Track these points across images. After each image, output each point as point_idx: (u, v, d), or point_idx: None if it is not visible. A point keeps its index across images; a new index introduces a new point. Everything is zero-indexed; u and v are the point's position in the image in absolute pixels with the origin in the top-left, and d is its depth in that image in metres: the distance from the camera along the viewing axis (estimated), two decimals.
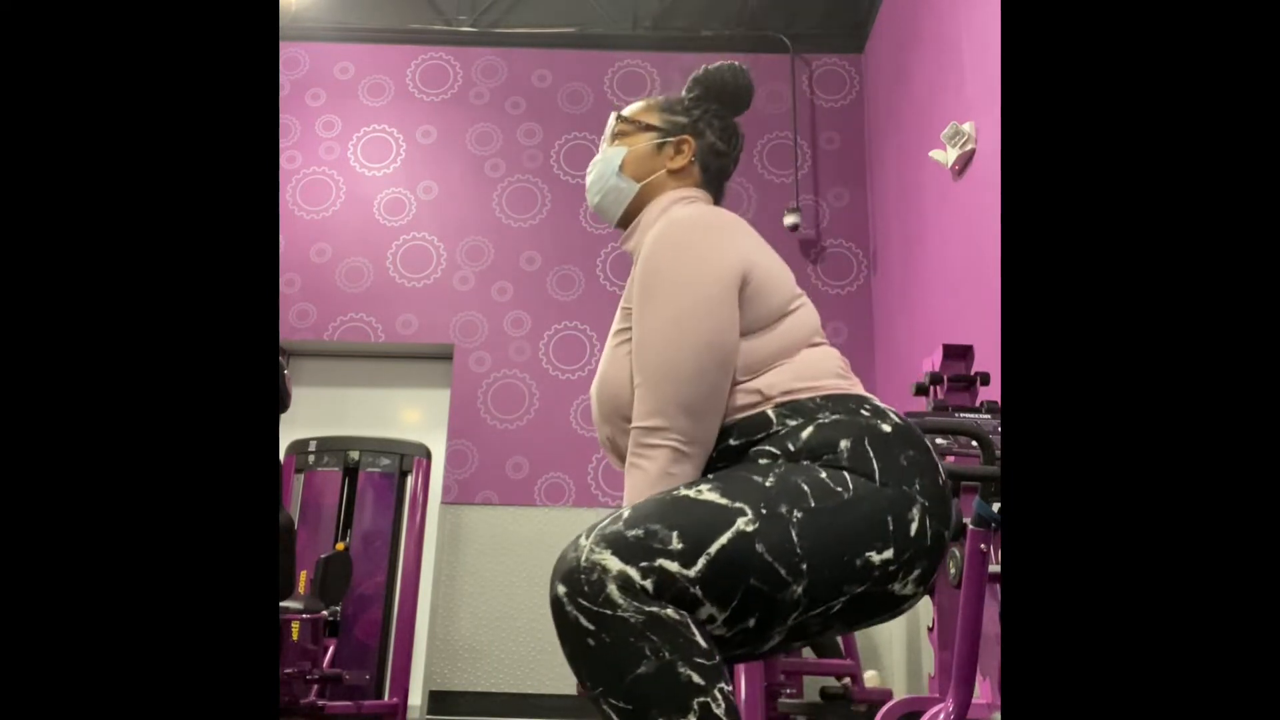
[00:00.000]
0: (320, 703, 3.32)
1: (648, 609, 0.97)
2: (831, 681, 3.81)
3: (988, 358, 3.19)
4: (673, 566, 0.98)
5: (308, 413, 4.88)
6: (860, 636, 4.50)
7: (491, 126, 5.29)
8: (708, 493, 1.04)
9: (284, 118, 5.25)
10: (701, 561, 0.99)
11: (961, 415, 2.38)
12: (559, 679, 4.46)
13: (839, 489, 1.06)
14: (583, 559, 0.99)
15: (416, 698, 4.42)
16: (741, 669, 2.88)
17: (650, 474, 1.10)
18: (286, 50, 5.36)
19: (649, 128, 1.37)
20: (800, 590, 1.02)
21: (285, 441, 4.04)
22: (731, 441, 1.14)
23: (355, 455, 4.00)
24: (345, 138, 5.26)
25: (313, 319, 4.96)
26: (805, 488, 1.05)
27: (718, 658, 0.99)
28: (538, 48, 5.40)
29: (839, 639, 3.79)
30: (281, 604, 3.03)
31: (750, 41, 5.31)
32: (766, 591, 1.01)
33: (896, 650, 4.42)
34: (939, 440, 2.14)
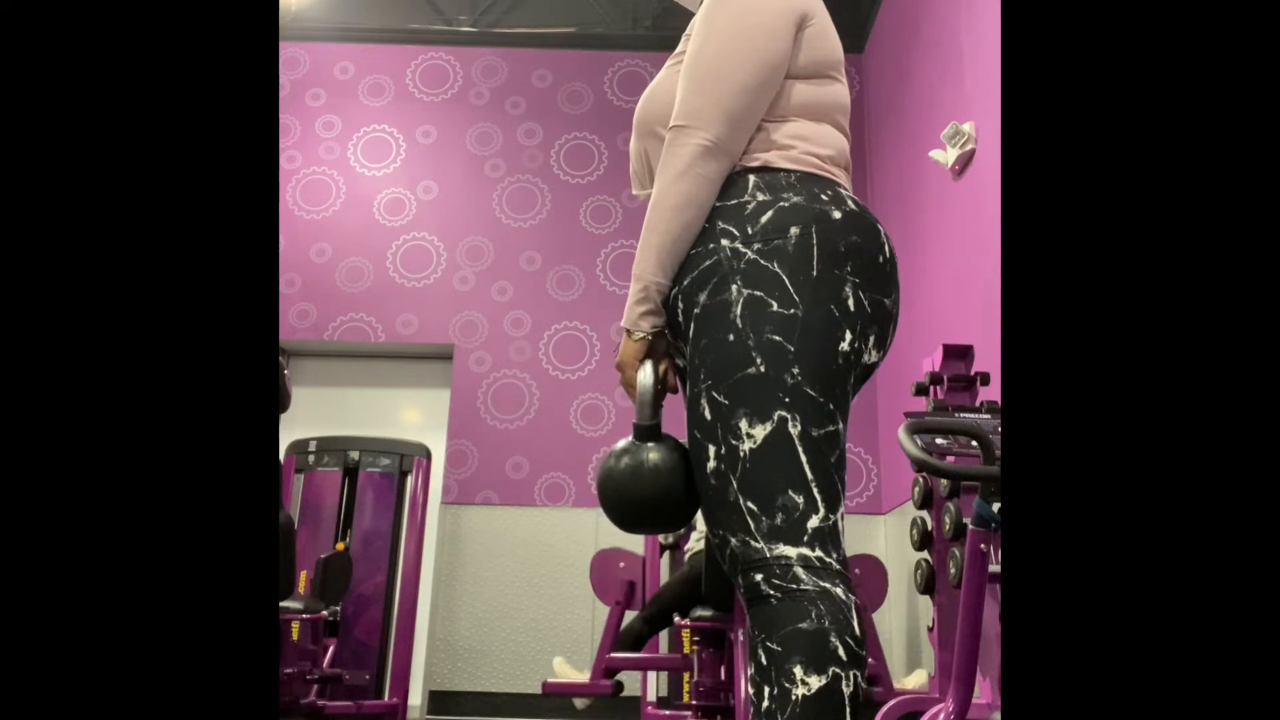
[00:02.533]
0: (320, 703, 3.32)
1: (822, 584, 1.11)
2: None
3: (988, 358, 3.19)
4: (815, 522, 1.14)
5: (308, 413, 4.88)
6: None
7: (491, 126, 5.28)
8: (751, 428, 1.16)
9: (284, 118, 5.25)
10: (817, 493, 1.15)
11: (961, 415, 2.38)
12: None
13: (791, 310, 1.18)
14: (768, 554, 1.13)
15: (416, 698, 4.42)
16: (741, 670, 2.88)
17: (678, 167, 1.23)
18: (286, 50, 5.36)
19: None
20: (841, 421, 1.19)
21: (285, 441, 4.04)
22: (714, 203, 1.26)
23: (355, 455, 4.00)
24: (345, 138, 5.26)
25: (313, 319, 4.96)
26: (778, 337, 1.17)
27: (865, 652, 1.12)
28: (538, 48, 5.40)
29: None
30: (281, 604, 3.03)
31: None
32: (838, 453, 1.18)
33: (896, 650, 4.42)
34: (939, 440, 2.14)
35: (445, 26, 5.43)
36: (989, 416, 2.31)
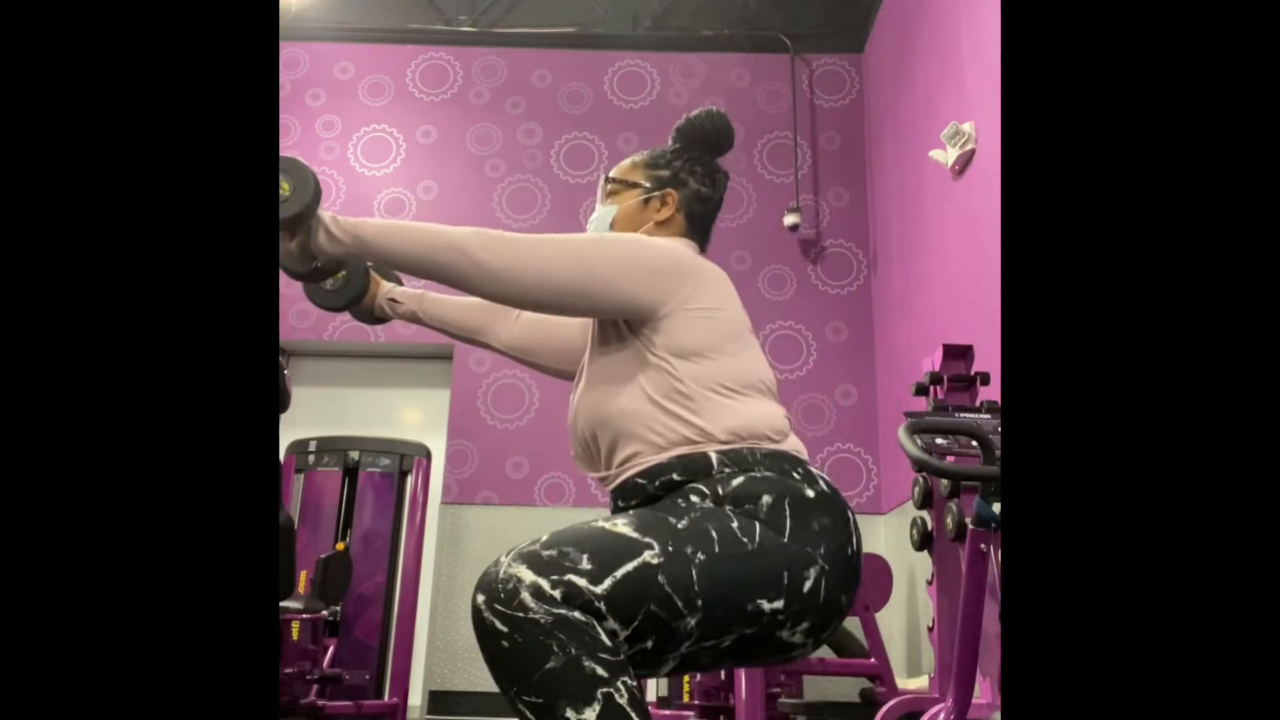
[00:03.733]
0: (320, 703, 3.32)
1: (556, 611, 1.06)
2: (865, 683, 3.81)
3: (988, 358, 3.19)
4: (581, 582, 1.08)
5: (308, 413, 4.88)
6: (865, 636, 4.51)
7: (491, 126, 5.28)
8: (622, 527, 1.14)
9: (284, 118, 5.25)
10: (608, 581, 1.09)
11: (961, 415, 2.38)
12: None
13: (745, 540, 1.16)
14: (501, 572, 1.09)
15: (416, 698, 4.42)
16: (741, 670, 2.88)
17: (458, 234, 1.24)
18: (286, 50, 5.36)
19: (634, 185, 1.47)
20: (694, 623, 1.12)
21: (285, 441, 4.04)
22: (675, 476, 1.24)
23: (355, 455, 4.00)
24: (345, 138, 5.26)
25: (313, 319, 4.96)
26: (714, 534, 1.15)
27: (622, 655, 1.08)
28: (538, 48, 5.40)
29: (864, 640, 3.78)
30: (281, 604, 3.03)
31: (750, 41, 5.31)
32: (664, 618, 1.11)
33: (896, 650, 4.42)
34: (939, 440, 2.14)
35: (445, 26, 5.43)
36: (989, 416, 2.31)
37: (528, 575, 1.07)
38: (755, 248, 5.02)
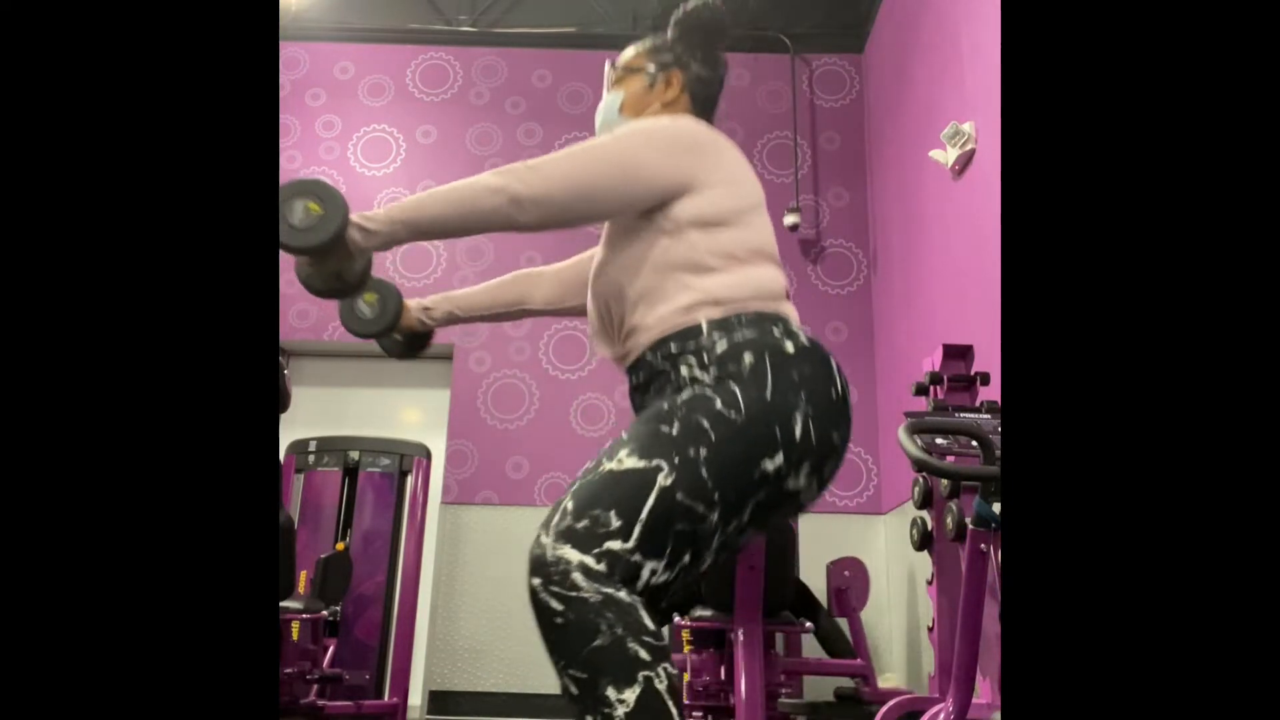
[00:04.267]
0: (320, 703, 3.32)
1: (604, 590, 1.11)
2: (845, 682, 3.81)
3: (988, 358, 3.19)
4: (616, 545, 1.13)
5: (308, 413, 4.88)
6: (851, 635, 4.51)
7: (491, 126, 5.28)
8: (627, 460, 1.18)
9: (284, 118, 5.25)
10: (637, 530, 1.14)
11: (961, 415, 2.38)
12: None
13: (732, 413, 1.20)
14: (549, 555, 1.13)
15: (416, 698, 4.41)
16: (741, 670, 2.88)
17: (484, 180, 1.27)
18: (286, 50, 5.36)
19: (640, 70, 1.54)
20: (716, 516, 1.18)
21: (285, 441, 4.04)
22: (672, 347, 1.31)
23: (355, 455, 4.00)
24: (345, 138, 5.26)
25: (313, 319, 4.96)
26: (706, 424, 1.20)
27: (664, 640, 1.13)
28: (538, 48, 5.40)
29: (850, 641, 3.79)
30: (281, 604, 3.03)
31: (750, 41, 5.31)
32: (691, 530, 1.17)
33: (896, 650, 4.42)
34: (939, 440, 2.14)
35: (445, 26, 5.43)
36: (989, 416, 2.31)
37: (574, 555, 1.12)
38: None
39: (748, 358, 1.25)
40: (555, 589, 1.11)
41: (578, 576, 1.11)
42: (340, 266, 1.31)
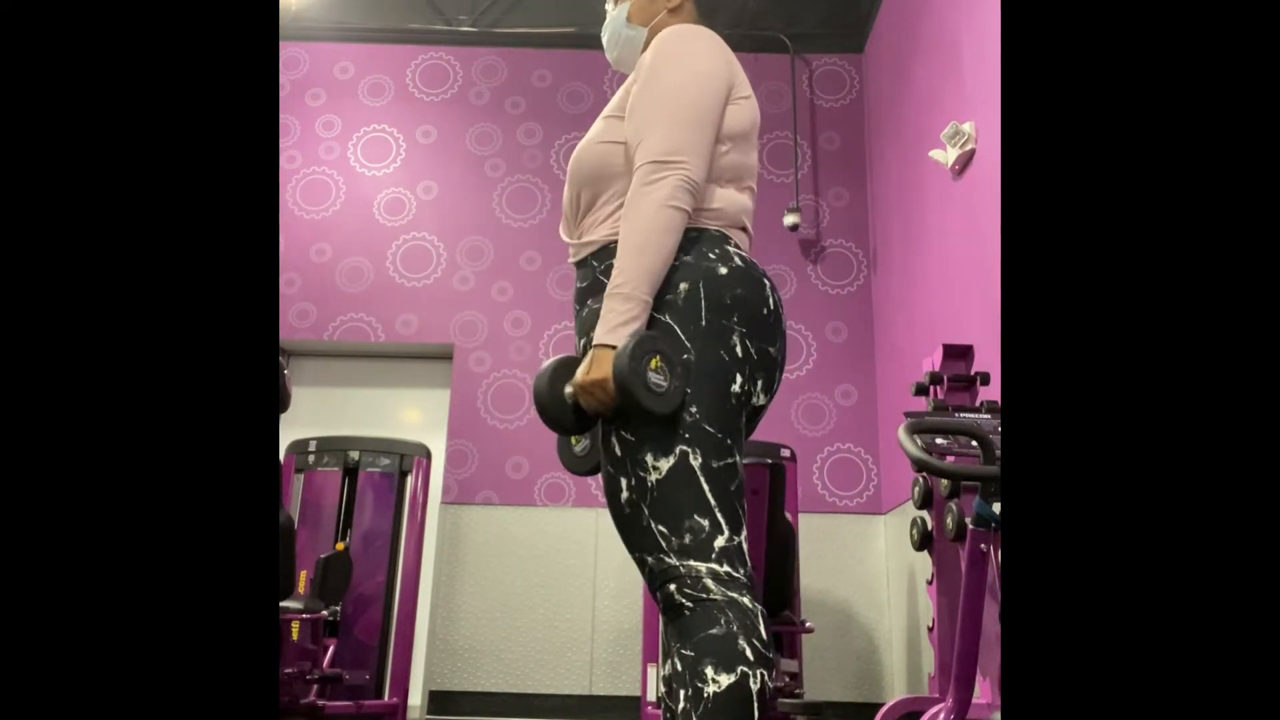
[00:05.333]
0: (320, 703, 3.32)
1: (730, 594, 1.21)
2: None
3: (988, 358, 3.19)
4: (721, 541, 1.24)
5: (308, 413, 4.88)
6: (861, 636, 4.51)
7: (491, 126, 5.28)
8: (657, 461, 1.25)
9: (284, 118, 5.25)
10: (721, 516, 1.24)
11: (961, 415, 2.38)
12: (559, 679, 4.46)
13: (686, 356, 1.27)
14: (681, 569, 1.23)
15: (416, 698, 4.42)
16: None
17: (656, 200, 1.30)
18: (286, 50, 5.36)
19: None
20: (737, 452, 1.29)
21: (285, 441, 4.04)
22: (612, 261, 1.33)
23: (355, 455, 4.00)
24: (345, 138, 5.26)
25: (313, 319, 4.96)
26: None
27: (772, 652, 1.23)
28: (538, 48, 5.40)
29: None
30: (281, 604, 3.03)
31: (750, 41, 5.31)
32: (737, 480, 1.28)
33: (896, 650, 4.42)
34: (939, 440, 2.14)
35: (445, 26, 5.43)
36: (989, 416, 2.31)
37: (702, 565, 1.22)
38: (755, 247, 5.00)
39: (682, 286, 1.31)
40: (689, 590, 1.22)
41: (709, 582, 1.22)
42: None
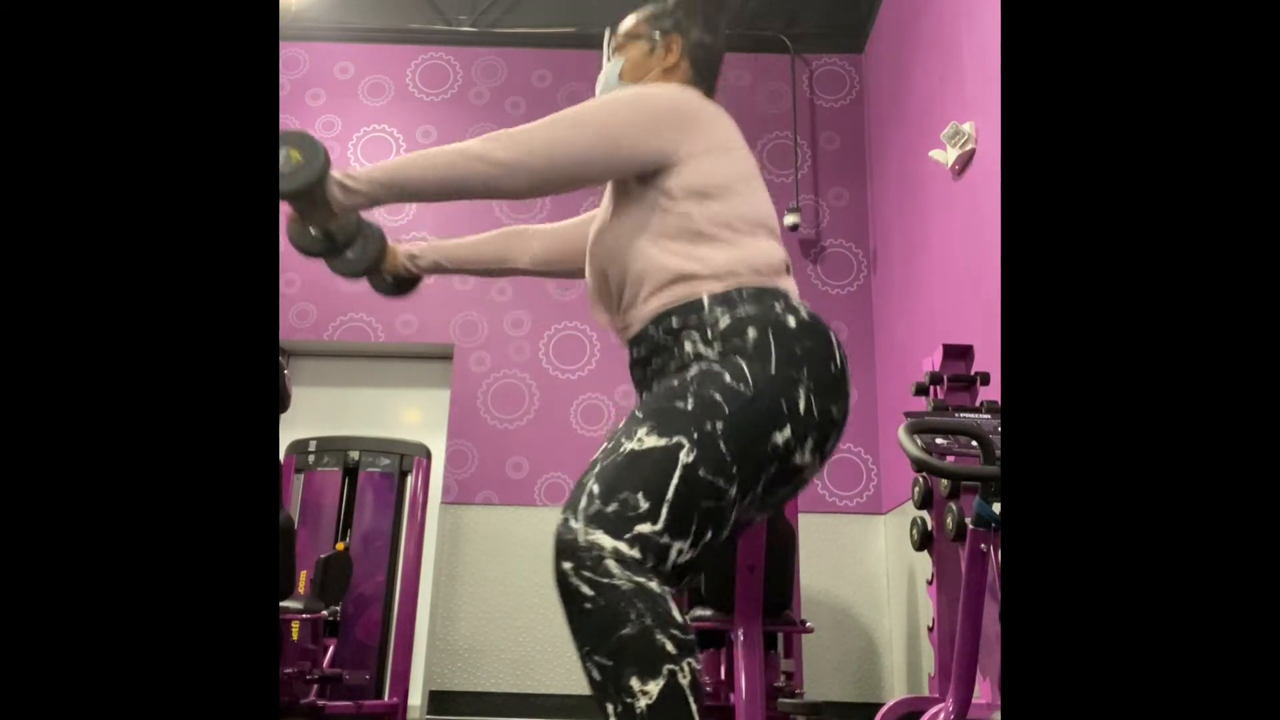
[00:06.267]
0: (320, 703, 3.32)
1: (636, 578, 1.11)
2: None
3: (988, 358, 3.19)
4: (646, 528, 1.13)
5: (308, 413, 4.88)
6: (861, 636, 4.51)
7: (491, 126, 5.28)
8: (647, 438, 1.19)
9: (284, 118, 5.25)
10: (664, 511, 1.14)
11: (961, 415, 2.38)
12: (559, 679, 4.46)
13: (742, 387, 1.22)
14: (581, 540, 1.13)
15: (416, 698, 4.42)
16: (741, 670, 2.88)
17: (467, 146, 1.29)
18: (286, 50, 5.36)
19: (640, 36, 1.54)
20: (735, 490, 1.20)
21: (285, 441, 4.04)
22: (674, 322, 1.32)
23: (355, 455, 4.00)
24: (345, 138, 5.26)
25: (313, 319, 4.96)
26: (719, 398, 1.21)
27: (691, 635, 1.12)
28: (538, 48, 5.40)
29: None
30: (281, 604, 3.03)
31: (750, 41, 5.31)
32: (714, 506, 1.18)
33: (896, 650, 4.42)
34: (939, 440, 2.14)
35: (445, 26, 5.43)
36: (989, 416, 2.31)
37: (607, 541, 1.12)
38: None
39: (751, 332, 1.26)
40: (588, 574, 1.10)
41: (611, 563, 1.11)
42: (326, 224, 1.34)
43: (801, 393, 1.24)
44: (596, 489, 1.16)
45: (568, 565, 1.12)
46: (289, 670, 3.14)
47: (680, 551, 1.16)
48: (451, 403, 4.87)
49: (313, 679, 3.29)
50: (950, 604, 2.81)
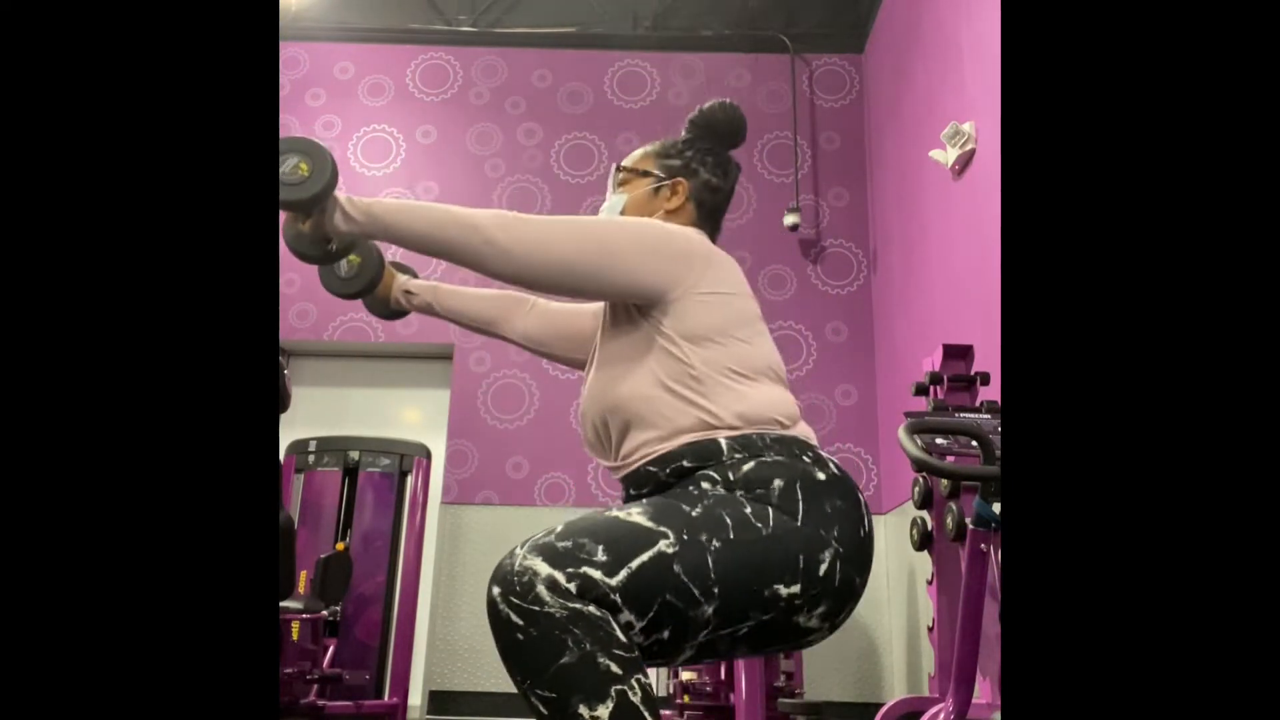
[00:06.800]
0: (320, 703, 3.32)
1: (571, 605, 1.05)
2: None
3: (988, 358, 3.19)
4: (596, 574, 1.08)
5: (308, 413, 4.88)
6: (861, 636, 4.51)
7: (491, 126, 5.28)
8: (636, 515, 1.14)
9: (284, 118, 5.25)
10: (623, 573, 1.08)
11: (961, 415, 2.38)
12: None
13: (759, 524, 1.15)
14: (516, 564, 1.08)
15: (416, 698, 4.42)
16: (742, 670, 2.88)
17: (474, 215, 1.25)
18: (286, 50, 5.36)
19: (645, 174, 1.47)
20: (711, 611, 1.12)
21: (285, 441, 4.04)
22: (685, 463, 1.24)
23: (355, 455, 4.00)
24: (345, 138, 5.26)
25: (313, 319, 4.96)
26: (728, 520, 1.15)
27: (636, 652, 1.08)
28: (538, 48, 5.40)
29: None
30: (281, 604, 3.03)
31: (750, 41, 5.31)
32: (680, 608, 1.10)
33: (896, 650, 4.42)
34: (939, 440, 2.14)
35: (445, 26, 5.43)
36: (989, 416, 2.31)
37: (543, 568, 1.07)
38: (755, 248, 5.02)
39: (778, 483, 1.19)
40: (516, 601, 1.06)
41: (542, 590, 1.05)
42: (326, 234, 1.33)
43: (828, 556, 1.16)
44: (558, 529, 1.12)
45: (496, 591, 1.07)
46: (289, 670, 3.14)
47: (630, 625, 1.09)
48: (451, 403, 4.87)
49: (313, 679, 3.29)
50: (950, 604, 2.81)
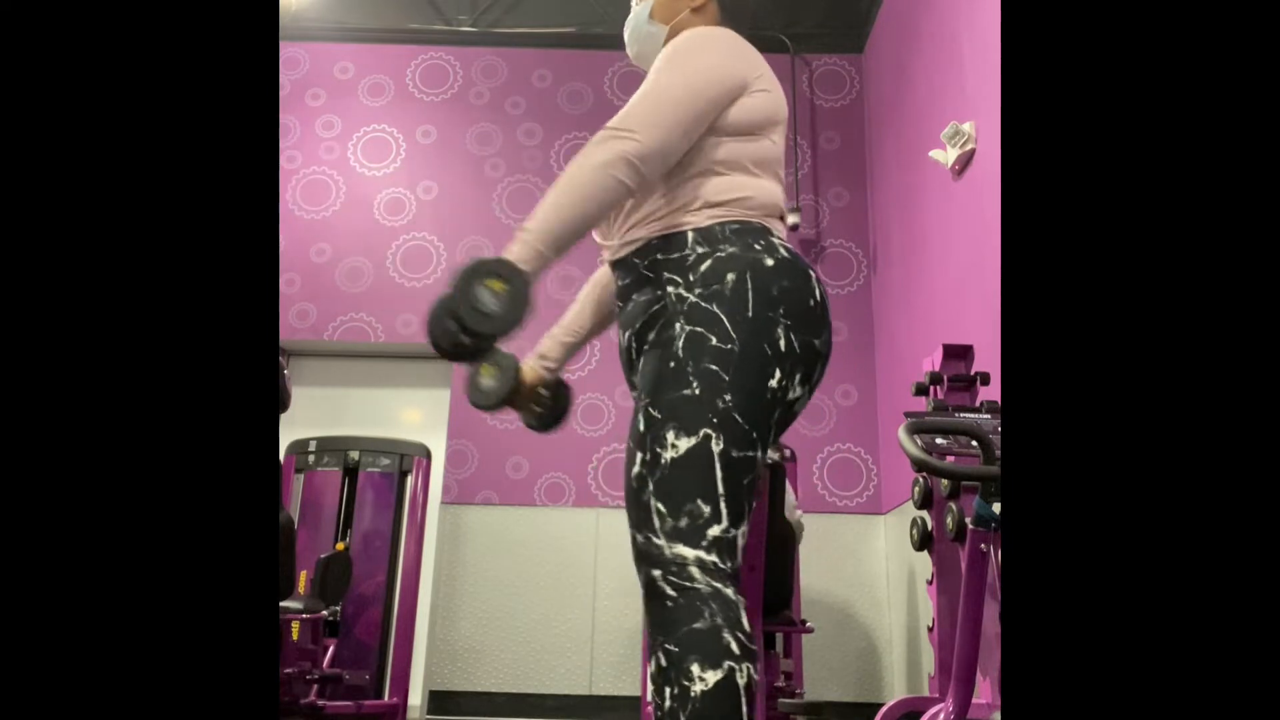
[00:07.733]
0: (320, 703, 3.32)
1: (715, 584, 1.20)
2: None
3: (988, 358, 3.19)
4: (716, 531, 1.22)
5: (308, 413, 4.88)
6: (861, 636, 4.51)
7: (491, 126, 5.28)
8: (679, 441, 1.25)
9: (284, 118, 5.25)
10: (724, 506, 1.23)
11: (961, 415, 2.38)
12: (559, 679, 4.46)
13: (729, 346, 1.28)
14: (667, 553, 1.22)
15: (416, 698, 4.41)
16: None
17: (594, 161, 1.32)
18: (286, 50, 5.36)
19: None
20: (759, 450, 1.28)
21: (285, 441, 4.04)
22: (657, 256, 1.37)
23: (355, 455, 4.00)
24: (345, 138, 5.26)
25: (313, 319, 4.96)
26: (714, 367, 1.27)
27: (755, 646, 1.20)
28: (538, 48, 5.40)
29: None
30: (281, 604, 3.03)
31: (750, 41, 5.30)
32: (752, 476, 1.27)
33: (896, 650, 4.42)
34: (939, 440, 2.14)
35: (445, 26, 5.43)
36: (989, 416, 2.31)
37: (689, 552, 1.21)
38: None
39: (730, 277, 1.31)
40: (674, 579, 1.20)
41: (695, 570, 1.20)
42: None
43: (780, 332, 1.30)
44: (663, 507, 1.24)
45: (656, 572, 1.22)
46: (289, 670, 3.14)
47: (744, 534, 1.26)
48: (451, 403, 4.86)
49: (313, 679, 3.29)
50: (950, 604, 2.81)
